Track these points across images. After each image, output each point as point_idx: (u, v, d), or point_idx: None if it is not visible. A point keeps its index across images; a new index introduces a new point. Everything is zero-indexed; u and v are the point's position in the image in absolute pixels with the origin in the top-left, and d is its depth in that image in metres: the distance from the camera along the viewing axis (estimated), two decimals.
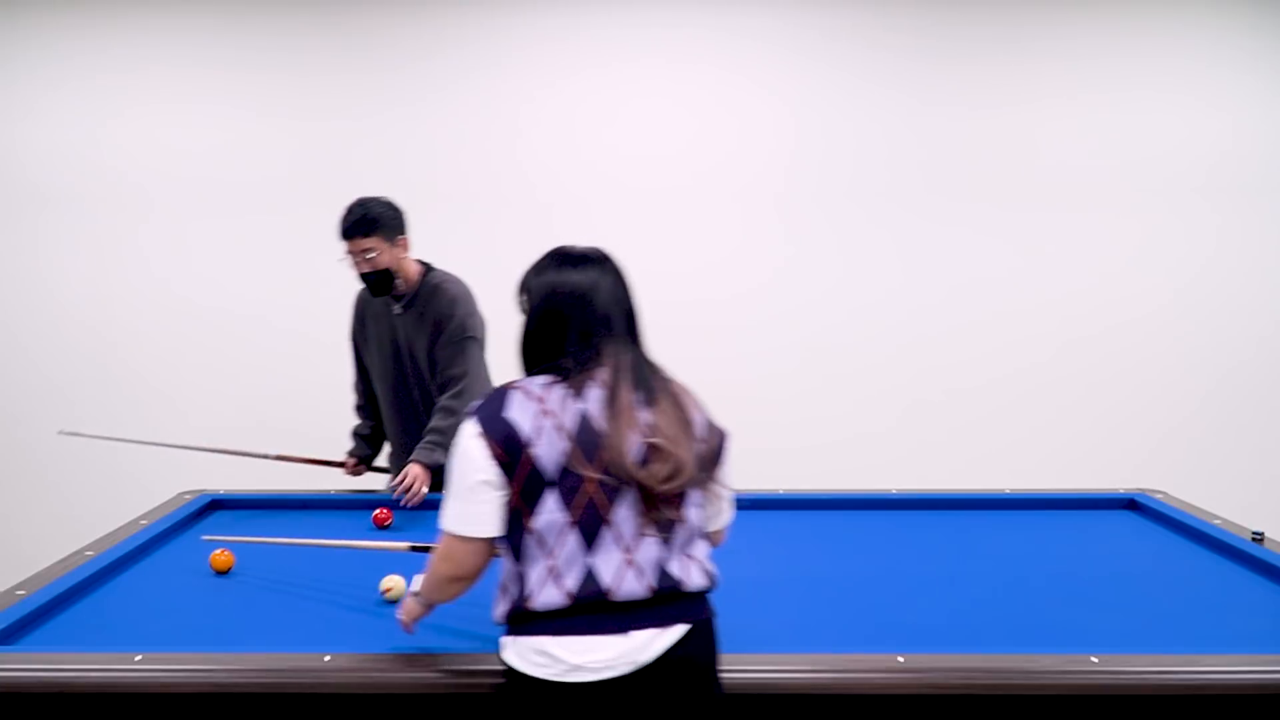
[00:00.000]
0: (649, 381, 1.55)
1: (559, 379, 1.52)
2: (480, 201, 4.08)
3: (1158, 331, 4.15)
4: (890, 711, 1.66)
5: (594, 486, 1.46)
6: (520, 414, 1.48)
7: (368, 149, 4.07)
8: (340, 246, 2.80)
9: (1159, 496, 2.76)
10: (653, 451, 1.48)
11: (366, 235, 2.73)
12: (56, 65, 4.05)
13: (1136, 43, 4.03)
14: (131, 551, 2.32)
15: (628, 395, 1.50)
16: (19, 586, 2.02)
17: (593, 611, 1.45)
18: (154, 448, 3.28)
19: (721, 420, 1.66)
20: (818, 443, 4.18)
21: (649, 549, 1.48)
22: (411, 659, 1.67)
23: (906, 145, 4.08)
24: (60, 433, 3.28)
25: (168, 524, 2.53)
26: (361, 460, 3.08)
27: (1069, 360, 4.16)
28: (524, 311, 1.60)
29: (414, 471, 2.68)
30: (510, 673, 1.49)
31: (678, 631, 1.48)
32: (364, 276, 2.80)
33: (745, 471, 4.15)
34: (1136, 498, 2.76)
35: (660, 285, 4.12)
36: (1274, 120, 4.06)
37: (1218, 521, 2.49)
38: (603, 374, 1.52)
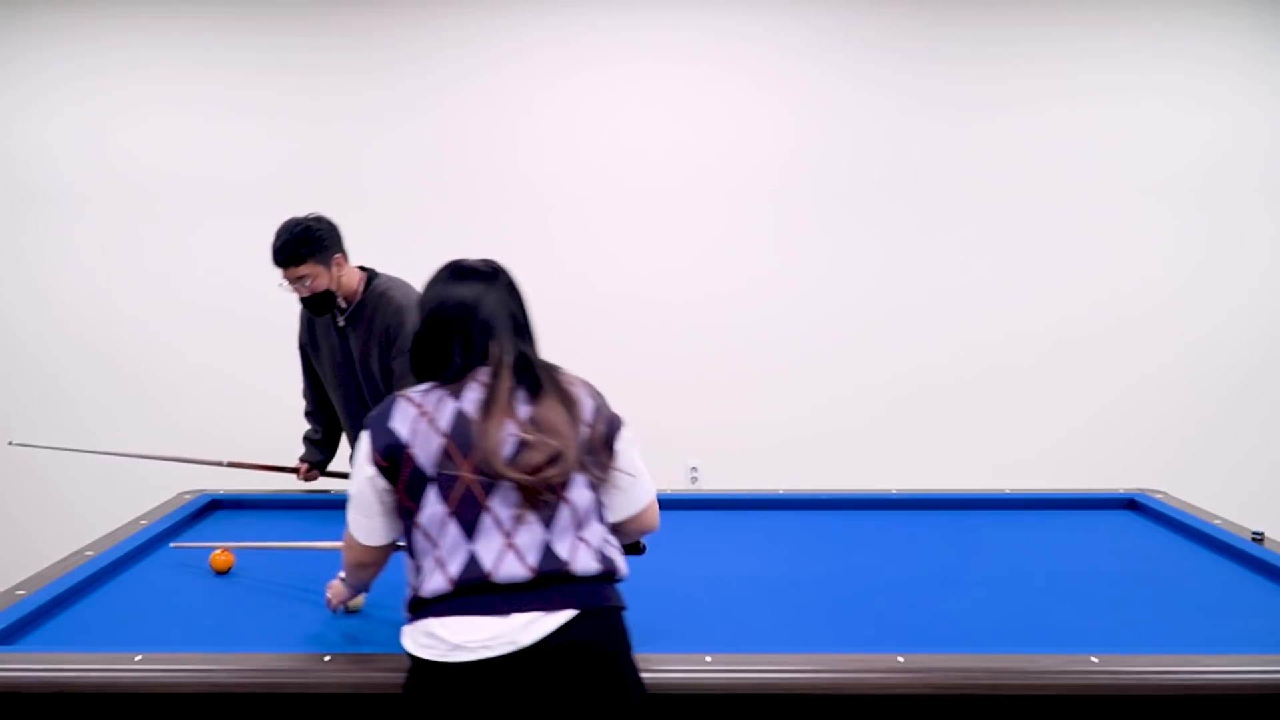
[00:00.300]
0: (533, 376, 1.60)
1: (440, 384, 1.60)
2: (480, 202, 4.07)
3: (1157, 331, 4.15)
4: (890, 711, 1.66)
5: (470, 477, 1.51)
6: (401, 420, 1.56)
7: (368, 149, 4.07)
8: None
9: (1159, 496, 2.76)
10: (525, 442, 1.53)
11: (300, 263, 2.66)
12: (57, 65, 4.05)
13: (1134, 42, 4.03)
14: (131, 551, 2.32)
15: (506, 390, 1.56)
16: (19, 586, 2.02)
17: (475, 593, 1.49)
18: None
19: (619, 410, 1.71)
20: (817, 443, 4.18)
21: (530, 532, 1.52)
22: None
23: (903, 144, 4.08)
24: (11, 444, 3.30)
25: (168, 524, 2.53)
26: (314, 465, 3.06)
27: (1069, 360, 4.16)
28: (417, 325, 1.68)
29: None
30: (408, 657, 1.54)
31: (564, 616, 1.49)
32: (303, 301, 2.75)
33: (746, 471, 4.18)
34: (1136, 498, 2.76)
35: (657, 282, 4.14)
36: (1272, 121, 4.06)
37: (1218, 521, 2.49)
38: (483, 374, 1.59)
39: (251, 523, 2.66)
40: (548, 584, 1.50)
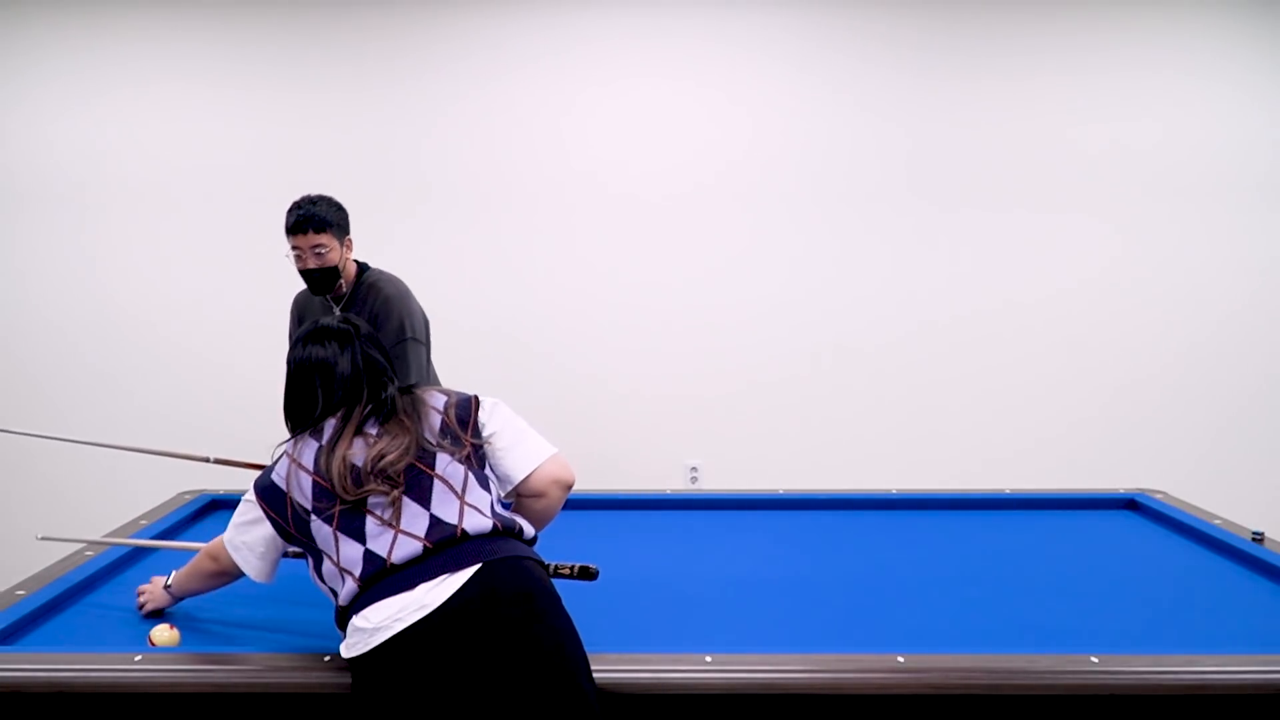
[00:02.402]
0: (383, 405, 1.74)
1: (304, 432, 1.75)
2: (481, 203, 4.07)
3: (1158, 331, 4.15)
4: (890, 711, 1.66)
5: (338, 494, 1.64)
6: (278, 473, 1.72)
7: (369, 149, 4.07)
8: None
9: (1159, 496, 2.76)
10: (373, 448, 1.67)
11: (322, 231, 2.69)
12: (57, 65, 4.05)
13: (1133, 44, 4.03)
14: (132, 551, 2.32)
15: (356, 419, 1.72)
16: (19, 586, 2.02)
17: (380, 579, 1.58)
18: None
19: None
20: (817, 443, 4.18)
21: (412, 513, 1.63)
22: None
23: (903, 147, 4.08)
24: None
25: (168, 524, 2.53)
26: None
27: (1069, 360, 4.16)
28: (286, 383, 1.83)
29: None
30: (346, 661, 1.60)
31: (468, 572, 1.56)
32: (308, 273, 2.74)
33: (746, 471, 4.17)
34: (1136, 498, 2.76)
35: (657, 283, 4.14)
36: (1271, 121, 4.06)
37: (1218, 521, 2.49)
38: (337, 419, 1.73)
39: None
40: (444, 549, 1.59)
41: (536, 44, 4.04)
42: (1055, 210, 4.11)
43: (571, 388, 4.10)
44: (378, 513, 1.63)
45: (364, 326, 1.84)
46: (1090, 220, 4.11)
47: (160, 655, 1.70)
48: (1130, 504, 2.77)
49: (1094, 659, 1.65)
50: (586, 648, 1.59)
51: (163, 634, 1.82)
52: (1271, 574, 2.18)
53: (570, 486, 1.82)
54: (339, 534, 1.63)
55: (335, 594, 1.64)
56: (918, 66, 4.05)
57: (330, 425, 1.73)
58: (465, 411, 1.78)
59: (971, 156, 4.09)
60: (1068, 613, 2.00)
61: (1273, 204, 4.09)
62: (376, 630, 1.53)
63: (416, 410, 1.75)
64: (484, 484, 1.71)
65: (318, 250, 2.69)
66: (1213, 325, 4.14)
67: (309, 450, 1.71)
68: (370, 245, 4.10)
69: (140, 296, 4.15)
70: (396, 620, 1.52)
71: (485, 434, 1.77)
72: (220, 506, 2.80)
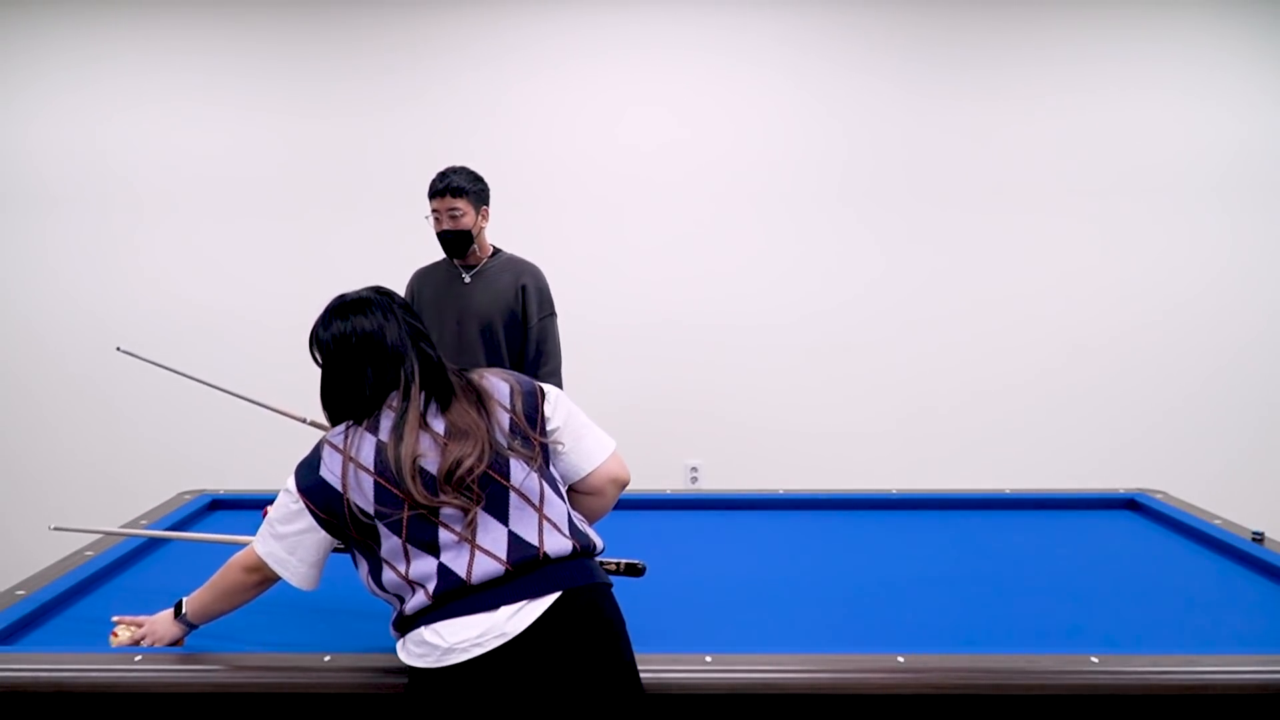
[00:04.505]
0: (443, 386, 1.61)
1: (355, 422, 1.60)
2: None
3: (1158, 331, 4.15)
4: (890, 711, 1.66)
5: (409, 502, 1.52)
6: (329, 469, 1.57)
7: (370, 148, 4.08)
8: (426, 206, 2.99)
9: (1159, 496, 2.76)
10: (445, 451, 1.54)
11: (460, 196, 2.91)
12: (58, 65, 4.05)
13: (1144, 43, 4.04)
14: (131, 551, 2.32)
15: (416, 409, 1.57)
16: (19, 586, 2.02)
17: (457, 598, 1.50)
18: (204, 389, 3.17)
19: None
20: (817, 443, 4.18)
21: (490, 530, 1.53)
22: None
23: (908, 146, 4.08)
24: (118, 349, 3.28)
25: (168, 524, 2.53)
26: None
27: (1069, 360, 4.16)
28: (320, 365, 1.66)
29: None
30: (406, 670, 1.55)
31: (547, 601, 1.50)
32: (443, 234, 2.96)
33: (746, 471, 4.17)
34: (1136, 498, 2.76)
35: (657, 283, 4.14)
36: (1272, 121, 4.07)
37: (1218, 521, 2.49)
38: (393, 399, 1.59)
39: (252, 523, 2.66)
40: (526, 572, 1.52)
41: (537, 49, 4.05)
42: (1057, 210, 4.11)
43: (571, 387, 4.09)
44: (452, 526, 1.53)
45: (398, 295, 1.71)
46: (1092, 220, 4.11)
47: (160, 655, 1.70)
48: (1130, 504, 2.77)
49: (1094, 659, 1.65)
50: None
51: (126, 632, 1.80)
52: (1271, 574, 2.18)
53: (626, 485, 1.76)
54: (409, 546, 1.52)
55: (399, 601, 1.55)
56: (915, 68, 4.05)
57: (387, 416, 1.58)
58: (532, 406, 1.66)
59: (974, 158, 4.09)
60: (1068, 613, 2.00)
61: (1273, 204, 4.10)
62: (452, 650, 1.47)
63: (483, 403, 1.61)
64: (559, 494, 1.63)
65: (453, 213, 2.92)
66: (1213, 325, 4.14)
67: (366, 445, 1.56)
68: (371, 245, 4.11)
69: (140, 297, 4.15)
70: (476, 645, 1.47)
71: (550, 428, 1.67)
72: (220, 506, 2.80)
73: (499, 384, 1.66)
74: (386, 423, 1.57)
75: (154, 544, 2.43)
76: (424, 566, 1.52)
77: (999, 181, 4.10)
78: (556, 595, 1.51)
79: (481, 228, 3.01)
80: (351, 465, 1.55)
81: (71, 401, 4.18)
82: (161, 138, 4.08)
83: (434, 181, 2.96)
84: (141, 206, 4.11)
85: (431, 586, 1.50)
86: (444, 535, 1.52)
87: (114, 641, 1.79)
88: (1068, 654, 1.67)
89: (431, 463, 1.54)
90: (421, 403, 1.58)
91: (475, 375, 1.66)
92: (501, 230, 4.06)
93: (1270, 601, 2.06)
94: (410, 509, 1.52)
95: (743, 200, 4.11)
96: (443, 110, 4.07)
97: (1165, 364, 4.16)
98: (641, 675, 1.59)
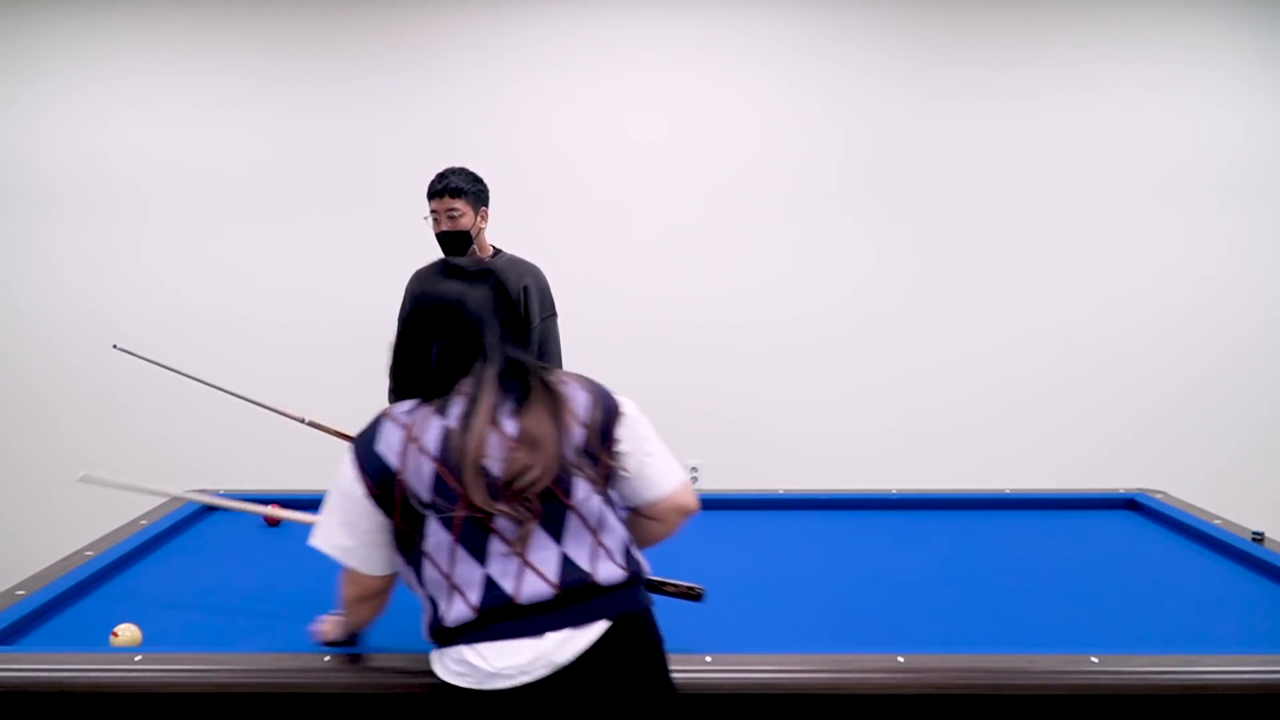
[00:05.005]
0: (517, 384, 1.52)
1: (425, 400, 1.52)
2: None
3: (1159, 332, 4.15)
4: (890, 711, 1.66)
5: (466, 502, 1.44)
6: (388, 444, 1.47)
7: (371, 148, 4.08)
8: (425, 206, 2.98)
9: (1159, 496, 2.76)
10: (513, 456, 1.45)
11: (458, 196, 2.92)
12: (60, 65, 4.05)
13: (1123, 42, 4.04)
14: (131, 551, 2.32)
15: (489, 402, 1.47)
16: (19, 586, 2.02)
17: (503, 618, 1.43)
18: (200, 388, 3.20)
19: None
20: (817, 443, 4.18)
21: (544, 547, 1.46)
22: (412, 659, 1.67)
23: (908, 146, 4.08)
24: (114, 347, 3.29)
25: (168, 524, 2.53)
26: None
27: (1069, 360, 4.16)
28: (400, 323, 1.60)
29: None
30: (440, 685, 1.48)
31: (597, 630, 1.45)
32: (441, 235, 2.96)
33: (746, 471, 4.17)
34: (1136, 498, 2.76)
35: (657, 282, 4.14)
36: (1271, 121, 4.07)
37: (1218, 521, 2.49)
38: (467, 385, 1.50)
39: (252, 523, 2.66)
40: (575, 599, 1.45)
41: (537, 49, 4.05)
42: (1057, 209, 4.11)
43: None
44: (505, 534, 1.44)
45: (495, 273, 1.62)
46: (1092, 219, 4.11)
47: (160, 655, 1.70)
48: (1130, 504, 2.77)
49: (1094, 659, 1.65)
50: None
51: (127, 632, 1.80)
52: (1271, 574, 2.18)
53: (692, 515, 1.66)
54: (458, 546, 1.44)
55: (436, 605, 1.47)
56: (915, 68, 4.06)
57: (457, 403, 1.48)
58: (608, 425, 1.55)
59: (971, 156, 4.09)
60: (1068, 613, 2.00)
61: (1272, 203, 4.10)
62: (496, 675, 1.41)
63: (558, 413, 1.50)
64: (619, 518, 1.55)
65: (451, 213, 2.92)
66: (1213, 324, 4.14)
67: (431, 429, 1.46)
68: (373, 245, 4.11)
69: (141, 297, 4.15)
70: (523, 673, 1.40)
71: (621, 449, 1.56)
72: (220, 507, 2.79)
73: (579, 394, 1.55)
74: (456, 409, 1.47)
75: (154, 544, 2.43)
76: (469, 572, 1.44)
77: (999, 181, 4.10)
78: (606, 625, 1.45)
79: (480, 228, 3.01)
80: (414, 446, 1.45)
81: (72, 401, 4.18)
82: (163, 137, 4.08)
83: (432, 182, 2.96)
84: (143, 206, 4.11)
85: (475, 597, 1.43)
86: (494, 544, 1.44)
87: (114, 641, 1.79)
88: (1068, 654, 1.67)
89: (495, 465, 1.44)
90: (496, 398, 1.48)
91: (555, 379, 1.55)
92: (502, 229, 4.06)
93: (1270, 601, 2.06)
94: (466, 508, 1.43)
95: (743, 200, 4.11)
96: (444, 109, 4.07)
97: (1165, 363, 4.16)
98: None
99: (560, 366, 3.08)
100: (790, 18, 4.03)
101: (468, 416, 1.46)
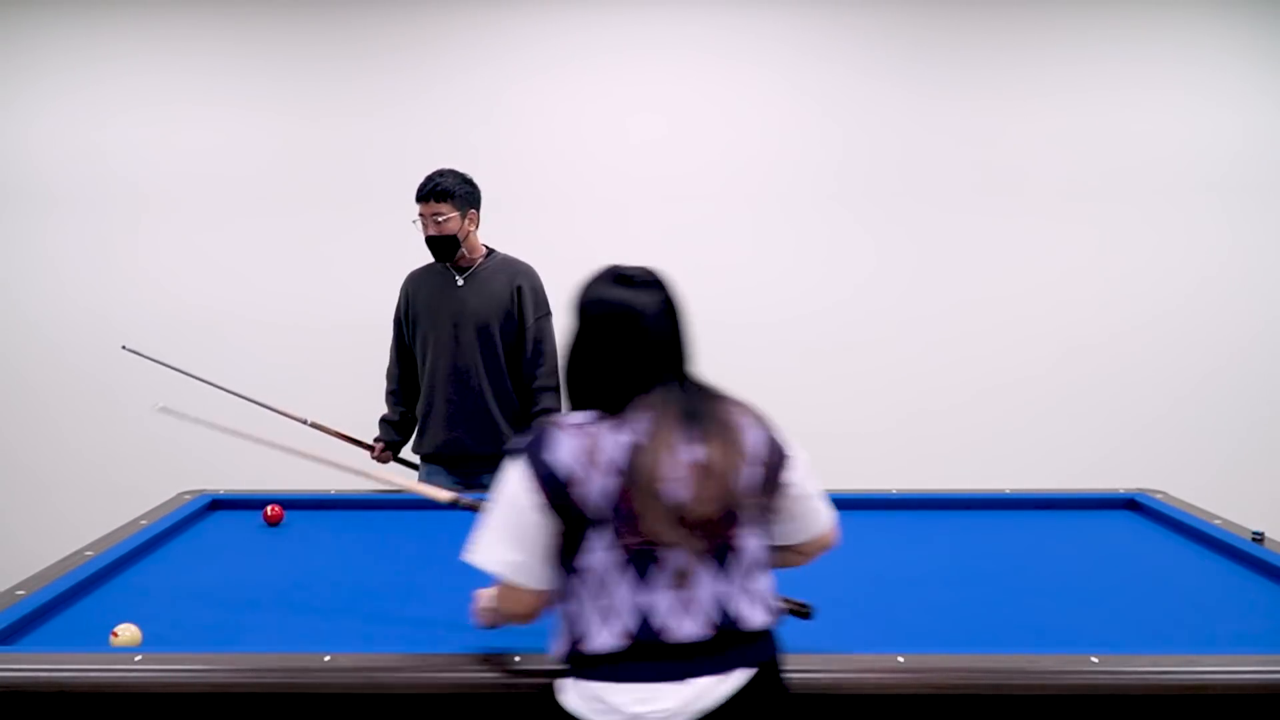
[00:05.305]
0: (698, 410, 1.46)
1: (604, 413, 1.45)
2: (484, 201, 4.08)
3: (1159, 332, 4.15)
4: (890, 711, 1.66)
5: (641, 524, 1.38)
6: (565, 453, 1.40)
7: (371, 148, 4.08)
8: (414, 209, 2.95)
9: (1159, 496, 2.75)
10: (695, 485, 1.40)
11: (443, 200, 2.88)
12: (60, 65, 4.05)
13: (1144, 42, 4.04)
14: (131, 551, 2.32)
15: (672, 426, 1.42)
16: (19, 586, 2.02)
17: (651, 656, 1.38)
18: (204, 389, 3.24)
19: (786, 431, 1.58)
20: (816, 443, 4.16)
21: (705, 585, 1.41)
22: (412, 659, 1.67)
23: (908, 146, 4.08)
24: (123, 348, 3.32)
25: (168, 524, 2.53)
26: (389, 446, 3.14)
27: (1069, 360, 4.16)
28: (574, 331, 1.54)
29: None
30: (563, 713, 1.42)
31: (740, 677, 1.41)
32: (429, 240, 2.93)
33: None
34: (1136, 498, 2.76)
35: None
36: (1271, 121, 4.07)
37: (1218, 521, 2.49)
38: (649, 403, 1.44)
39: (252, 523, 2.66)
40: (724, 645, 1.41)
41: (537, 49, 4.05)
42: (1057, 209, 4.11)
43: None
44: (672, 563, 1.39)
45: (669, 284, 1.56)
46: (1091, 219, 4.11)
47: (160, 655, 1.70)
48: (1130, 504, 2.77)
49: (1094, 659, 1.64)
50: None
51: (127, 632, 1.80)
52: (1271, 574, 2.17)
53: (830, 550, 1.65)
54: (624, 569, 1.38)
55: (578, 627, 1.41)
56: (914, 67, 4.06)
57: (638, 419, 1.41)
58: (777, 466, 1.50)
59: (970, 156, 4.09)
60: (1068, 613, 2.00)
61: (1272, 203, 4.10)
62: (639, 718, 1.35)
63: (736, 446, 1.44)
64: (768, 563, 1.51)
65: (437, 217, 2.89)
66: (1213, 325, 4.14)
67: (610, 444, 1.39)
68: (374, 245, 4.11)
69: (142, 297, 4.15)
70: (670, 719, 1.35)
71: (789, 494, 1.52)
72: (220, 506, 2.80)
73: (752, 430, 1.49)
74: (636, 426, 1.41)
75: (154, 543, 2.43)
76: (627, 599, 1.39)
77: (999, 181, 4.10)
78: (748, 674, 1.41)
79: (470, 231, 2.98)
80: (592, 458, 1.39)
81: (73, 401, 4.18)
82: (163, 137, 4.08)
83: (420, 186, 2.93)
84: (143, 206, 4.11)
85: (628, 625, 1.38)
86: (657, 574, 1.39)
87: (114, 641, 1.79)
88: (1068, 654, 1.67)
89: (673, 491, 1.38)
90: (677, 421, 1.42)
91: (726, 410, 1.49)
92: (503, 229, 4.06)
93: (1270, 601, 2.06)
94: (639, 531, 1.37)
95: (743, 200, 4.11)
96: (445, 109, 4.06)
97: (1165, 363, 4.16)
98: None
99: (556, 365, 3.06)
100: (790, 18, 4.04)
101: (650, 436, 1.40)
